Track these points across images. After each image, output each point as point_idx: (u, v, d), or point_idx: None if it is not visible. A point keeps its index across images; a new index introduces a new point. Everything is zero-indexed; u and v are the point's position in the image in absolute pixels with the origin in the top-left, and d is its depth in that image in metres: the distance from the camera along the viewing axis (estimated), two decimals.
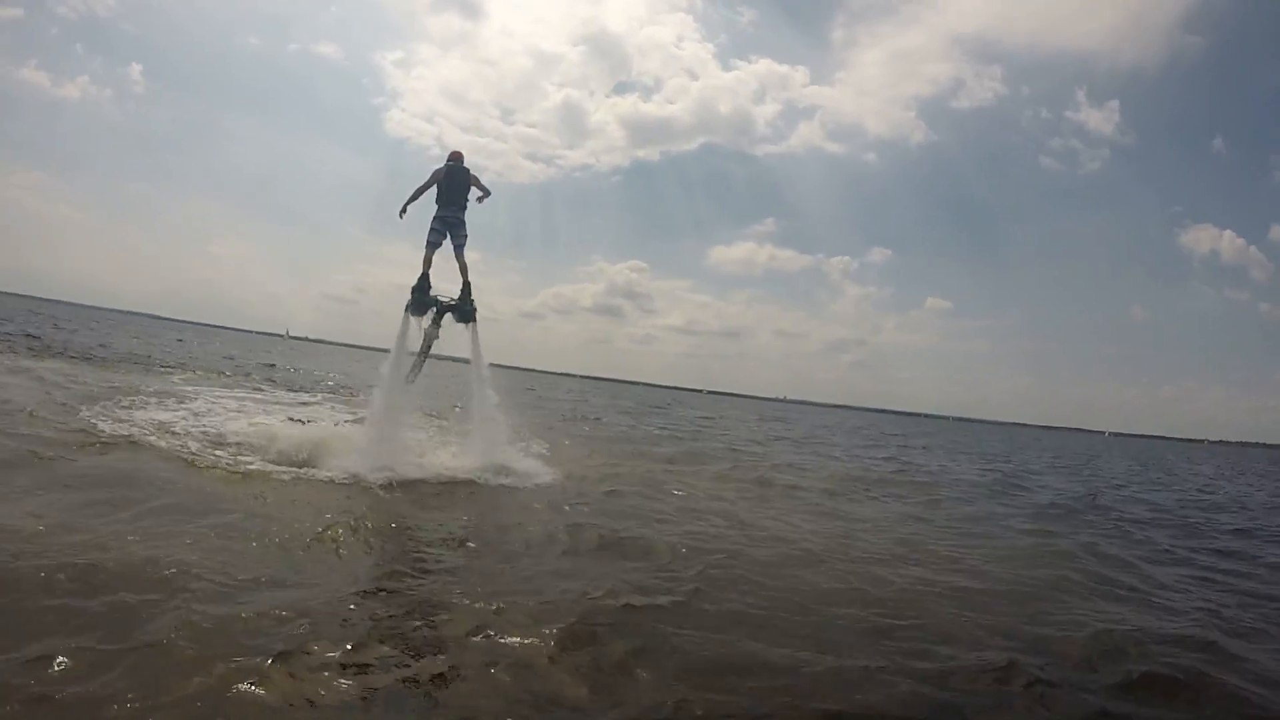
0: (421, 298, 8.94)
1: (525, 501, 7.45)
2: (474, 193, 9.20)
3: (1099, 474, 21.12)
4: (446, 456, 8.97)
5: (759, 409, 67.99)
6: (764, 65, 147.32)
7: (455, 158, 9.01)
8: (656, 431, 19.31)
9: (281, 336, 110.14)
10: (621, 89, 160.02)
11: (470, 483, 7.96)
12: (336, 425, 10.49)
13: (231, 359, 26.82)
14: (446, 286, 9.23)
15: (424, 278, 8.95)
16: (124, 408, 9.97)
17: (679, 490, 9.07)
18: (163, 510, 5.20)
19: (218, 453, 7.78)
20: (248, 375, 20.22)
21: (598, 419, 21.25)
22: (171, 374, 16.60)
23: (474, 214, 9.32)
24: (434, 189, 9.05)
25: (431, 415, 12.41)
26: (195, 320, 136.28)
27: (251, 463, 7.45)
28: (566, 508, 7.19)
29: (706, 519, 7.38)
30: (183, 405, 11.18)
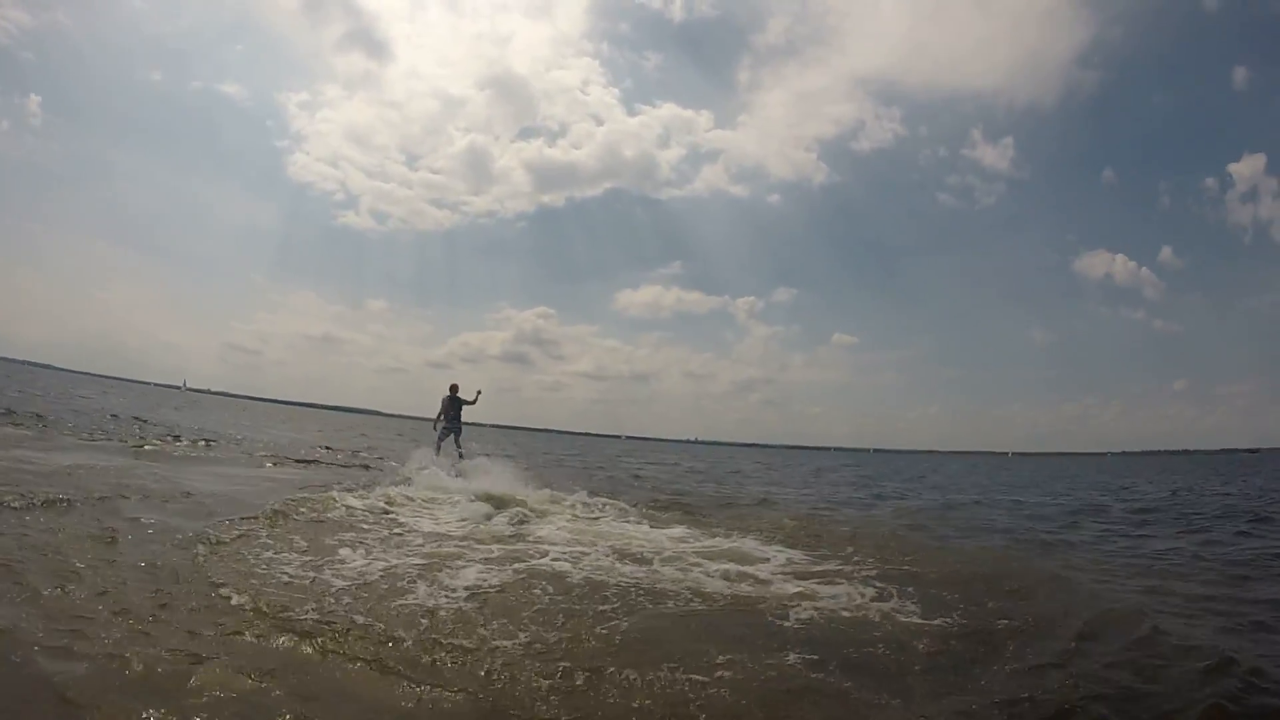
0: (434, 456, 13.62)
1: None
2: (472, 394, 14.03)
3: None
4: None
5: (693, 452, 64.69)
6: (668, 110, 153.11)
7: (453, 389, 13.88)
8: (717, 487, 17.39)
9: (179, 388, 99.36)
10: (527, 134, 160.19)
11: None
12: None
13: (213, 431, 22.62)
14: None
15: (433, 454, 13.43)
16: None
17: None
18: None
19: None
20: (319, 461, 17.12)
21: (609, 472, 19.63)
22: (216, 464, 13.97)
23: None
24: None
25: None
26: (87, 370, 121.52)
27: None
28: None
29: None
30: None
